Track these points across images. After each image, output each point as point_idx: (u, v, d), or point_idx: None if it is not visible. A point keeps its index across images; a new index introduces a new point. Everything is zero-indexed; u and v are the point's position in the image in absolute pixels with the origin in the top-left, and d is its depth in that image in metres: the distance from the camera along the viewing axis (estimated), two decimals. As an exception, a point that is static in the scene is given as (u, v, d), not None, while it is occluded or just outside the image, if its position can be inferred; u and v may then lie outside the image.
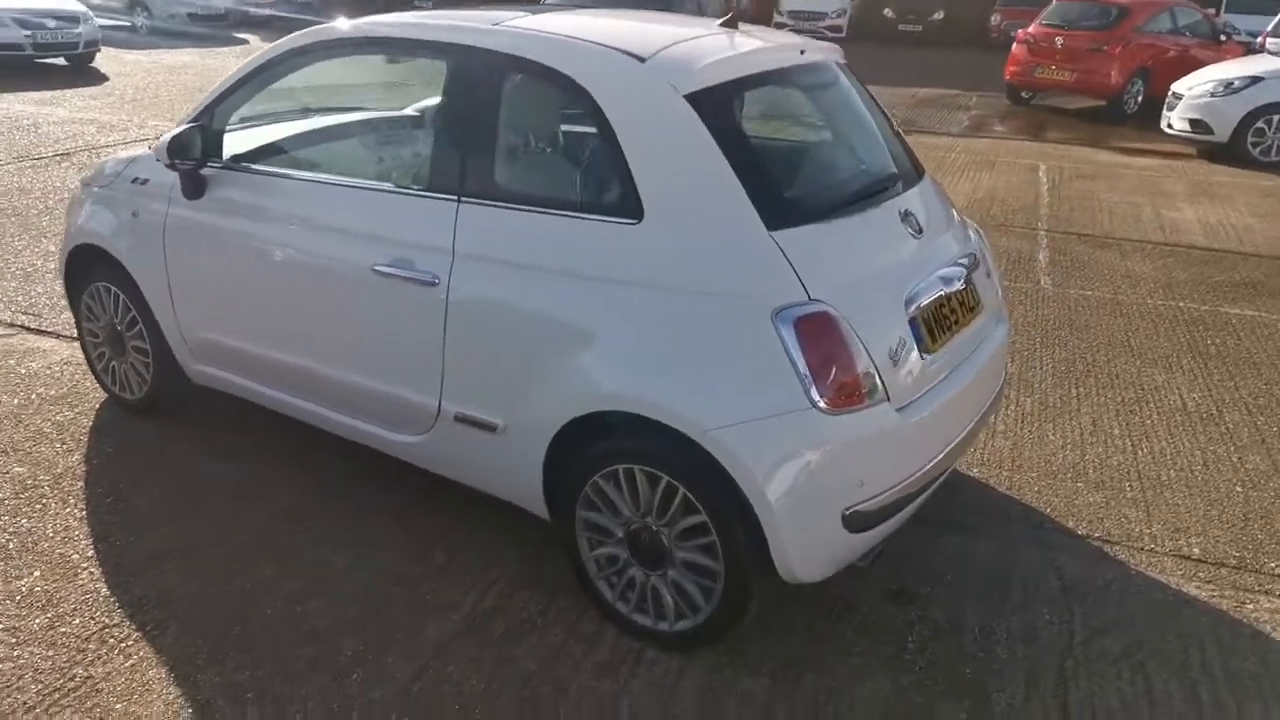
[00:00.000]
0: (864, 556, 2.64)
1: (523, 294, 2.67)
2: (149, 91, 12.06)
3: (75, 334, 4.16)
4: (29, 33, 12.46)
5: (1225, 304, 5.78)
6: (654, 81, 2.55)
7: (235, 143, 3.33)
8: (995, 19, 21.64)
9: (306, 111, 3.67)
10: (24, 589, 2.85)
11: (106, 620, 2.74)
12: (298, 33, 3.19)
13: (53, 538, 3.10)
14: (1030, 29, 13.49)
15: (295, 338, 3.22)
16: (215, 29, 18.09)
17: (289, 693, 2.50)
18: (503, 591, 2.94)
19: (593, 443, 2.63)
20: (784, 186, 2.64)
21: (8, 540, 3.07)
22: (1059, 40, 12.89)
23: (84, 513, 3.25)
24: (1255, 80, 10.08)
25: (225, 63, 14.88)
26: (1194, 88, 10.42)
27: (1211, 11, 14.77)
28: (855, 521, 2.45)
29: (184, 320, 3.53)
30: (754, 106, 2.78)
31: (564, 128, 2.79)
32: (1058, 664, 2.73)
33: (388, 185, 2.98)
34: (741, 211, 2.45)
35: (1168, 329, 5.34)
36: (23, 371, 4.26)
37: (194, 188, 3.31)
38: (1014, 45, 13.61)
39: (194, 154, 3.22)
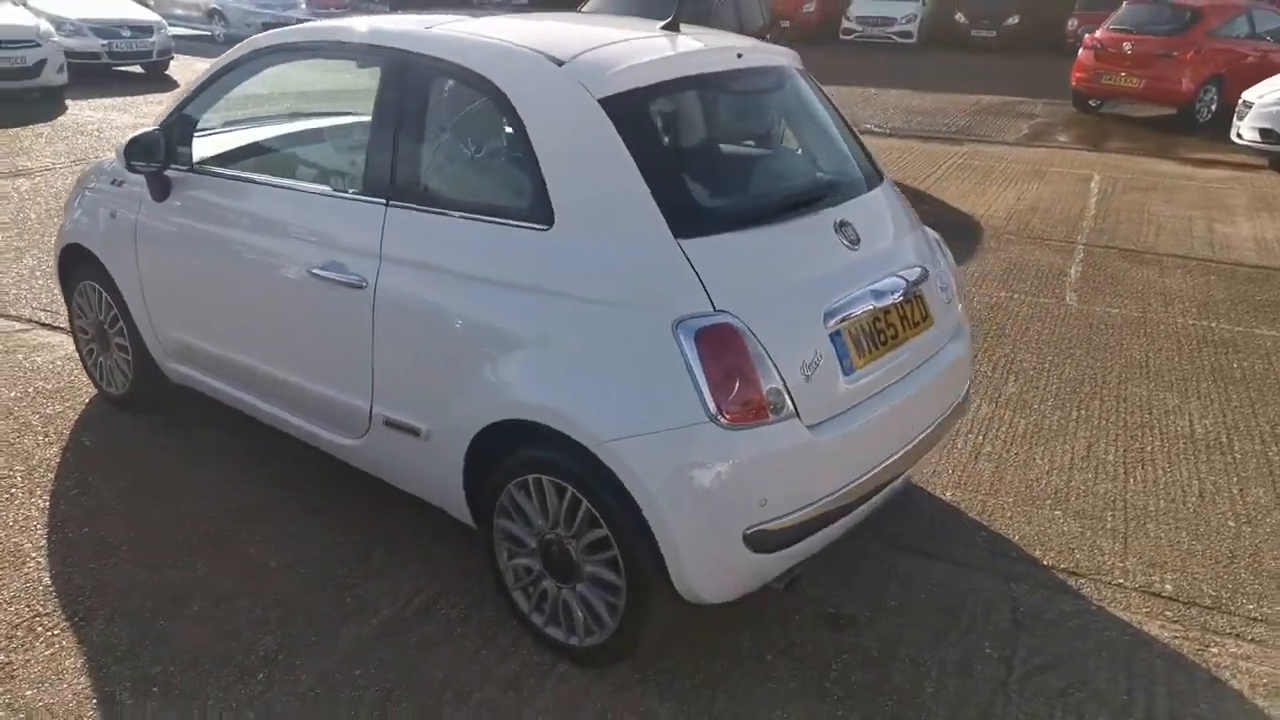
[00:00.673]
0: (779, 579, 2.55)
1: (441, 298, 2.65)
2: (214, 96, 12.46)
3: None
4: (105, 42, 13.01)
5: (1262, 325, 5.47)
6: (569, 85, 2.51)
7: (199, 147, 3.40)
8: (1073, 24, 20.95)
9: (273, 116, 3.72)
10: (-30, 576, 2.95)
11: (40, 609, 2.81)
12: (249, 39, 3.24)
13: (11, 526, 3.20)
14: (1098, 33, 13.03)
15: (250, 339, 3.27)
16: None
17: (194, 689, 2.53)
18: (429, 598, 2.93)
19: (508, 451, 2.60)
20: (700, 194, 2.57)
21: (-36, 527, 3.18)
22: (1127, 45, 12.42)
23: (47, 503, 3.34)
24: (1332, 89, 9.56)
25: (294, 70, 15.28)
26: (1265, 95, 9.92)
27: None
28: (759, 542, 2.37)
29: (155, 319, 3.61)
30: (687, 111, 2.71)
31: (485, 131, 2.77)
32: (987, 700, 2.60)
33: (328, 189, 3.01)
34: (649, 219, 2.40)
35: (1192, 350, 5.07)
36: (27, 365, 4.42)
37: (159, 190, 3.39)
38: (1080, 51, 13.16)
39: (155, 156, 3.29)
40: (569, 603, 2.61)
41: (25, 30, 11.30)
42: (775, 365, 2.37)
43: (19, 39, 11.19)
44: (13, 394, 4.14)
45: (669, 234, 2.39)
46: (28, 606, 2.82)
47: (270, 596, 2.90)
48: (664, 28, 2.92)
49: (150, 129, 3.32)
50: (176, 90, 12.71)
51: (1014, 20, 22.28)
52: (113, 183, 3.66)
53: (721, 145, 3.02)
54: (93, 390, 4.17)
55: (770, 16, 10.01)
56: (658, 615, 2.49)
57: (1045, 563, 3.22)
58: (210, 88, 3.35)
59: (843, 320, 2.56)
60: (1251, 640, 2.87)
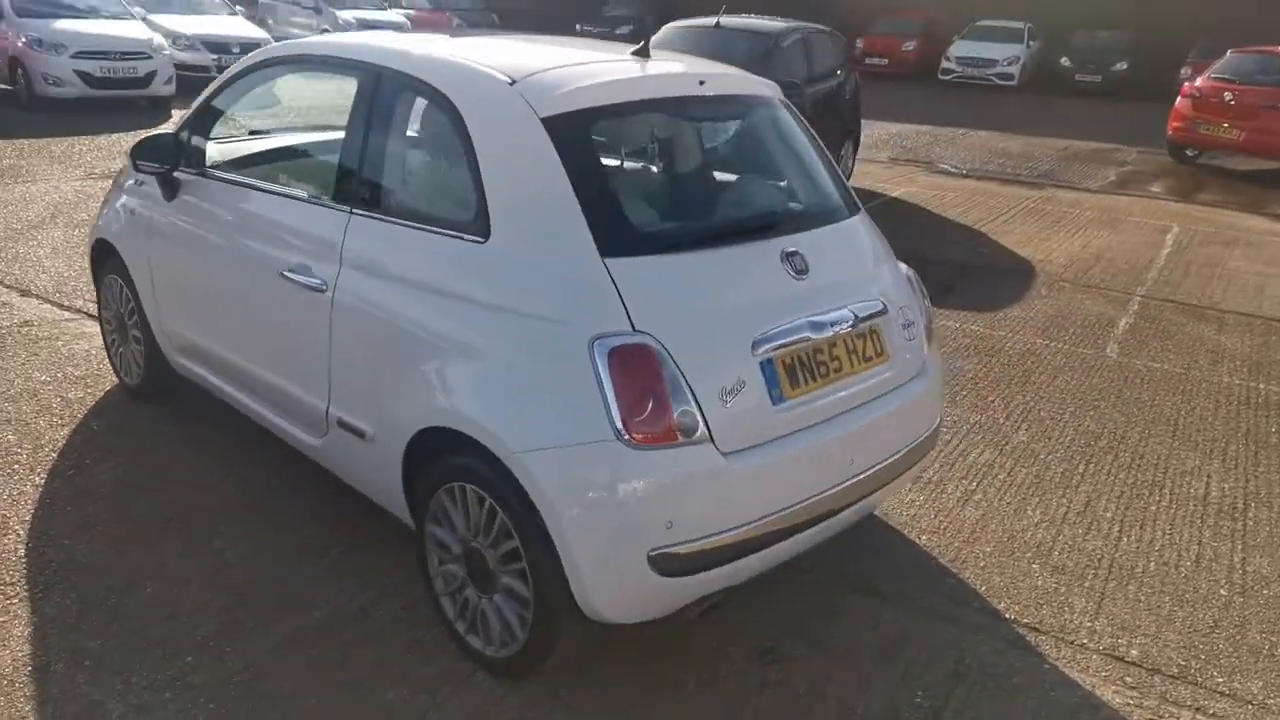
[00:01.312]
0: (694, 605, 2.51)
1: (388, 305, 2.73)
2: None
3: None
4: (216, 56, 13.75)
5: (1316, 390, 5.16)
6: (516, 102, 2.56)
7: (205, 150, 3.57)
8: (1185, 71, 20.19)
9: (285, 126, 3.88)
10: (-46, 542, 3.13)
11: (6, 578, 2.97)
12: (251, 53, 3.41)
13: (3, 499, 3.39)
14: (1198, 82, 12.54)
15: (235, 336, 3.41)
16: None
17: (123, 665, 2.63)
18: (372, 598, 2.98)
19: (438, 457, 2.64)
20: (633, 215, 2.58)
21: (-40, 497, 3.38)
22: (1229, 95, 11.91)
23: (42, 481, 3.53)
24: None
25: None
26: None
27: None
28: (664, 565, 2.35)
29: (161, 313, 3.80)
30: (636, 134, 2.72)
31: (439, 144, 2.84)
32: (904, 750, 2.51)
33: (304, 195, 3.13)
34: (577, 236, 2.42)
35: (1229, 411, 4.82)
36: (64, 352, 4.69)
37: (169, 190, 3.58)
38: (1178, 99, 12.68)
39: (160, 158, 3.47)
40: (486, 612, 2.63)
41: (139, 43, 12.05)
42: (690, 389, 2.36)
43: (132, 51, 11.93)
44: (44, 377, 4.39)
45: (595, 252, 2.41)
46: (-3, 575, 2.98)
47: (222, 585, 3.00)
48: (634, 53, 2.95)
49: (160, 133, 3.51)
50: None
51: (1122, 66, 21.61)
52: (137, 182, 3.88)
53: (669, 169, 3.03)
54: (114, 379, 4.39)
55: (845, 57, 9.95)
56: (566, 632, 2.48)
57: (1007, 616, 3.09)
58: (220, 95, 3.53)
59: (775, 349, 2.53)
60: (1212, 715, 2.70)
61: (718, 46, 8.60)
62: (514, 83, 2.61)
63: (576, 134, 2.54)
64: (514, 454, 2.36)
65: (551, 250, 2.45)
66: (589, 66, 2.76)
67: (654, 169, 2.99)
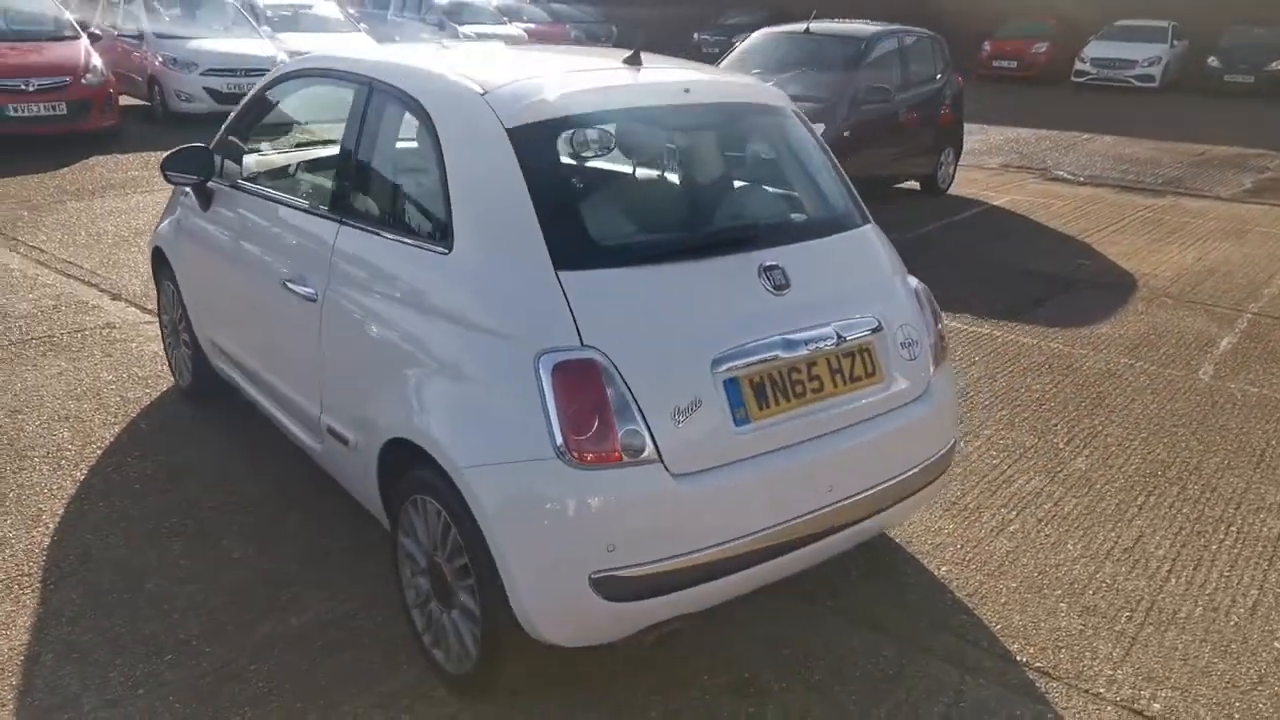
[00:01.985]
0: (647, 631, 2.42)
1: (364, 316, 2.75)
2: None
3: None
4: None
5: None
6: (484, 113, 2.53)
7: (234, 162, 3.69)
8: (1350, 70, 18.63)
9: (299, 135, 3.97)
10: (-12, 532, 3.33)
11: (26, 569, 3.13)
12: (278, 65, 3.49)
13: (44, 492, 3.58)
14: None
15: (252, 343, 3.51)
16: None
17: (107, 660, 2.72)
18: (358, 606, 3.00)
19: (406, 470, 2.63)
20: (593, 228, 2.50)
21: (7, 491, 3.59)
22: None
23: (83, 476, 3.72)
24: None
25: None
26: None
27: None
28: (608, 588, 2.27)
29: (199, 318, 3.95)
30: (610, 144, 2.64)
31: (417, 155, 2.83)
32: (868, 798, 2.34)
33: (306, 205, 3.18)
34: (532, 249, 2.37)
35: (1329, 442, 4.36)
36: (134, 353, 4.95)
37: (203, 200, 3.72)
38: (1328, 100, 11.66)
39: (193, 169, 3.61)
40: (446, 627, 2.60)
41: (264, 60, 12.67)
42: (639, 407, 2.27)
43: (257, 67, 12.56)
44: (109, 377, 4.64)
45: (549, 265, 2.35)
46: (17, 565, 3.14)
47: (219, 586, 3.08)
48: (625, 61, 2.88)
49: (193, 145, 3.65)
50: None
51: (1278, 65, 20.06)
52: (185, 194, 4.05)
53: (643, 180, 2.93)
54: (171, 380, 4.59)
55: (946, 61, 9.56)
56: (514, 651, 2.43)
57: (1019, 658, 2.87)
58: (251, 108, 3.64)
59: (739, 367, 2.41)
60: (1232, 785, 2.43)
61: (807, 52, 8.45)
62: (485, 93, 2.58)
63: (541, 145, 2.50)
64: (460, 469, 2.32)
65: (507, 262, 2.41)
66: (569, 76, 2.70)
67: (627, 179, 2.91)
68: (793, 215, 2.81)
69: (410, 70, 2.84)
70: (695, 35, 24.09)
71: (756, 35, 8.84)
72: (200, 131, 11.77)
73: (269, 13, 15.26)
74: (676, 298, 2.45)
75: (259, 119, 3.66)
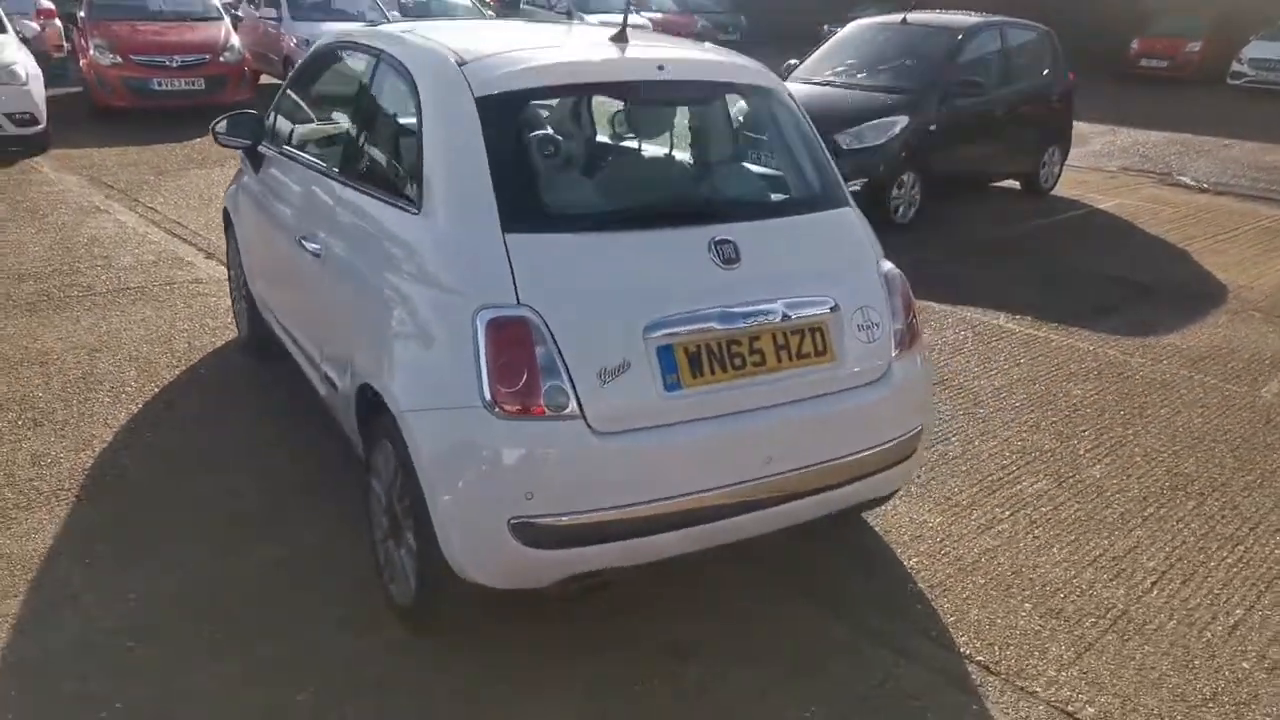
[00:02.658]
0: (571, 581, 2.54)
1: (351, 270, 2.97)
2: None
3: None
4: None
5: None
6: (459, 82, 2.70)
7: (278, 128, 3.98)
8: None
9: (330, 104, 4.20)
10: (42, 450, 3.72)
11: (66, 484, 3.50)
12: (319, 40, 3.77)
13: (98, 421, 3.98)
14: None
15: (281, 296, 3.80)
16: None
17: (113, 568, 3.04)
18: (343, 541, 3.23)
19: (375, 414, 2.83)
20: (546, 194, 2.63)
21: (69, 418, 3.99)
22: None
23: (138, 409, 4.11)
24: None
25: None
26: None
27: None
28: (527, 535, 2.41)
29: (251, 273, 4.28)
30: (577, 115, 2.75)
31: (405, 121, 3.00)
32: (763, 761, 2.41)
33: (323, 167, 3.42)
34: (485, 211, 2.53)
35: (1384, 469, 4.08)
36: (212, 307, 5.37)
37: (254, 164, 4.04)
38: None
39: (244, 134, 3.92)
40: (395, 561, 2.80)
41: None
42: (565, 365, 2.40)
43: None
44: (184, 326, 5.06)
45: (498, 227, 2.50)
46: (59, 481, 3.52)
47: (226, 513, 3.37)
48: (611, 39, 2.99)
49: (245, 111, 3.97)
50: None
51: None
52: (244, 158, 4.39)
53: (605, 151, 3.03)
54: (236, 332, 4.97)
55: (1056, 56, 9.20)
56: (446, 588, 2.59)
57: (963, 651, 2.86)
58: (296, 78, 3.93)
59: (673, 335, 2.51)
60: (1145, 792, 2.38)
61: (902, 43, 8.33)
62: (464, 64, 2.75)
63: (506, 114, 2.65)
64: (401, 412, 2.51)
65: (462, 223, 2.57)
66: (547, 51, 2.84)
67: (587, 150, 3.02)
68: (757, 193, 2.87)
69: (409, 41, 3.03)
70: (825, 27, 23.73)
71: (851, 26, 8.75)
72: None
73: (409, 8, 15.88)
74: (617, 265, 2.56)
75: (301, 88, 3.95)
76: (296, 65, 3.95)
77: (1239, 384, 4.97)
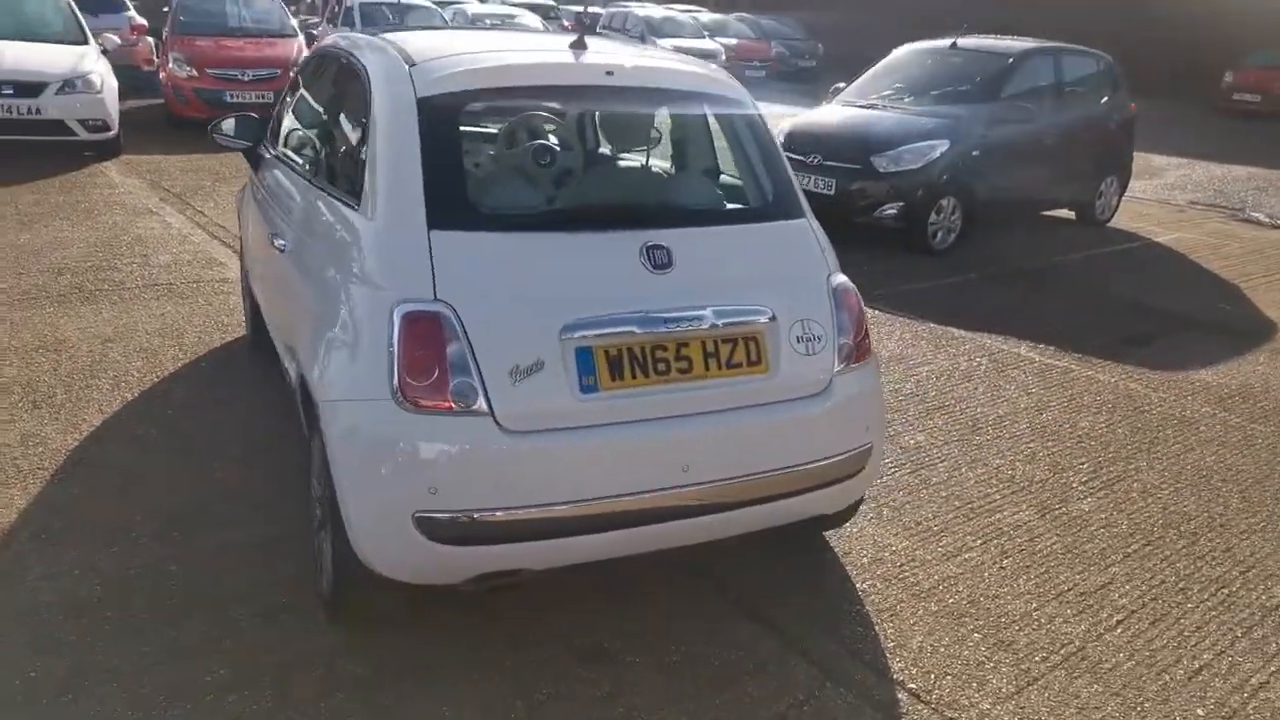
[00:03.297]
0: (481, 579, 2.53)
1: (304, 266, 3.03)
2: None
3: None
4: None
5: None
6: (404, 82, 2.74)
7: (275, 130, 4.10)
8: None
9: (312, 106, 4.28)
10: (34, 430, 3.86)
11: (47, 463, 3.62)
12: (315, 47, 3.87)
13: (93, 407, 4.11)
14: None
15: (263, 293, 3.90)
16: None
17: (67, 544, 3.13)
18: (295, 529, 3.27)
19: (310, 405, 2.87)
20: (475, 194, 2.65)
21: (65, 402, 4.14)
22: None
23: (132, 397, 4.24)
24: None
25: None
26: None
27: None
28: (432, 529, 2.41)
29: (249, 272, 4.40)
30: (519, 118, 2.76)
31: (362, 121, 3.05)
32: (656, 774, 2.35)
33: (295, 166, 3.51)
34: (413, 208, 2.55)
35: (1407, 519, 3.81)
36: (231, 305, 5.51)
37: (252, 164, 4.16)
38: None
39: (240, 134, 4.04)
40: (320, 551, 2.82)
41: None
42: (476, 362, 2.40)
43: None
44: (198, 322, 5.22)
45: (424, 224, 2.53)
46: (40, 460, 3.64)
47: (192, 499, 3.45)
48: (570, 45, 3.00)
49: (243, 114, 4.09)
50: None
51: None
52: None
53: (537, 153, 3.02)
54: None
55: (1116, 85, 8.90)
56: (357, 579, 2.60)
57: (896, 677, 2.75)
58: (293, 84, 4.05)
59: (591, 337, 2.49)
60: (1057, 836, 2.24)
61: (949, 67, 8.20)
62: (412, 65, 2.79)
63: (446, 114, 2.67)
64: (320, 402, 2.54)
65: (393, 220, 2.60)
66: (496, 54, 2.87)
67: (523, 152, 3.02)
68: (699, 200, 2.84)
69: (372, 45, 3.09)
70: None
71: (899, 50, 8.63)
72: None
73: (477, 22, 16.29)
74: (540, 265, 2.56)
75: (292, 91, 4.06)
76: (297, 69, 4.06)
77: (1265, 424, 4.71)
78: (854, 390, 2.86)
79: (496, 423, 2.40)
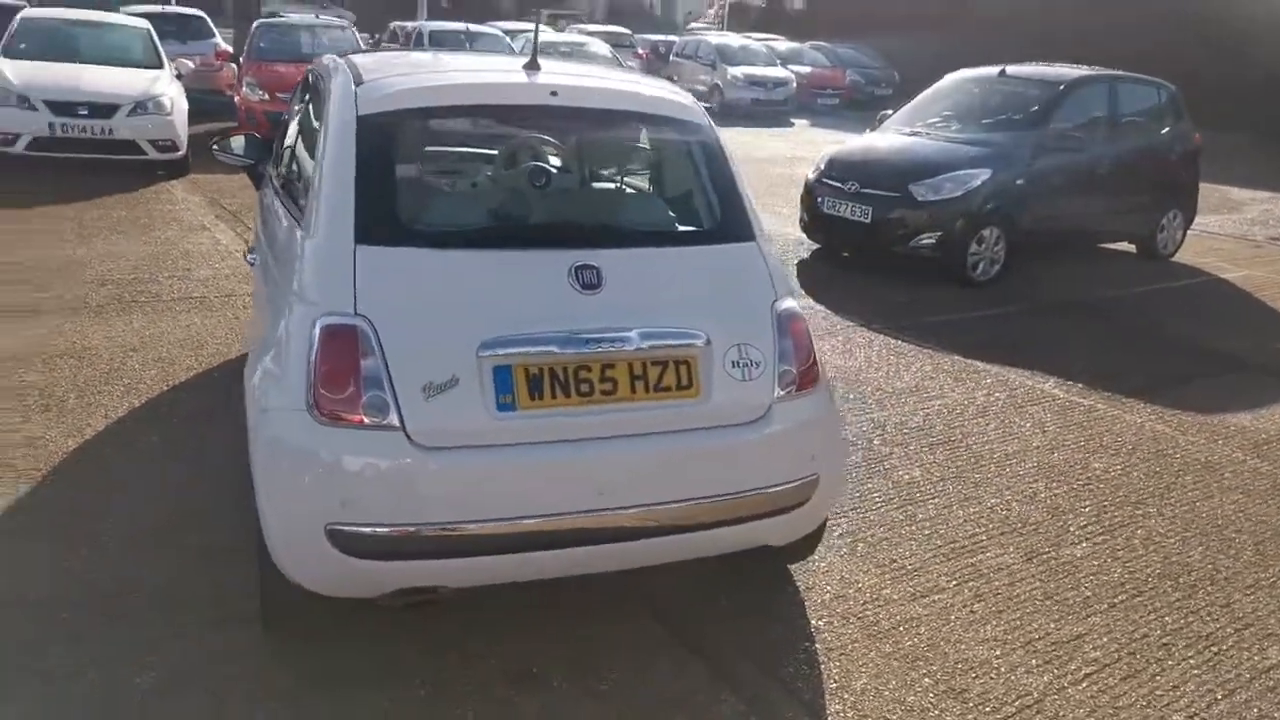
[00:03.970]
0: (398, 595, 2.52)
1: (263, 280, 3.09)
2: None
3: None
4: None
5: None
6: (349, 101, 2.79)
7: (279, 150, 4.21)
8: None
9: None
10: (39, 433, 4.01)
11: (40, 465, 3.76)
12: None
13: (99, 412, 4.26)
14: None
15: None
16: (774, 111, 19.94)
17: (36, 545, 3.23)
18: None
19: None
20: (404, 210, 2.66)
21: (75, 407, 4.30)
22: None
23: (140, 404, 4.38)
24: None
25: (766, 141, 16.44)
26: None
27: None
28: (344, 543, 2.41)
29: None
30: (460, 136, 2.77)
31: (321, 138, 3.09)
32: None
33: (272, 183, 3.59)
34: (342, 223, 2.59)
35: None
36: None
37: (256, 181, 4.28)
38: None
39: (244, 152, 4.16)
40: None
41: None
42: (390, 376, 2.40)
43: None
44: (221, 334, 5.36)
45: (351, 238, 2.55)
46: (37, 461, 3.78)
47: (172, 505, 3.53)
48: (524, 66, 3.01)
49: (248, 133, 4.22)
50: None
51: None
52: (269, 177, 4.66)
53: (470, 172, 3.02)
54: (263, 342, 5.24)
55: (1177, 115, 8.54)
56: (277, 590, 2.61)
57: (828, 711, 2.64)
58: (291, 106, 4.15)
59: (510, 356, 2.47)
60: None
61: (998, 96, 8.01)
62: (360, 84, 2.84)
63: (381, 133, 2.71)
64: (249, 411, 2.58)
65: (325, 236, 2.63)
66: (442, 75, 2.90)
67: (457, 170, 3.02)
68: (636, 222, 2.81)
69: (336, 65, 3.15)
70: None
71: (947, 78, 8.45)
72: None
73: (546, 50, 16.58)
74: (463, 282, 2.56)
75: (289, 110, 4.16)
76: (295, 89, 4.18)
77: (1266, 461, 4.42)
78: (797, 419, 2.77)
79: (409, 438, 2.40)
